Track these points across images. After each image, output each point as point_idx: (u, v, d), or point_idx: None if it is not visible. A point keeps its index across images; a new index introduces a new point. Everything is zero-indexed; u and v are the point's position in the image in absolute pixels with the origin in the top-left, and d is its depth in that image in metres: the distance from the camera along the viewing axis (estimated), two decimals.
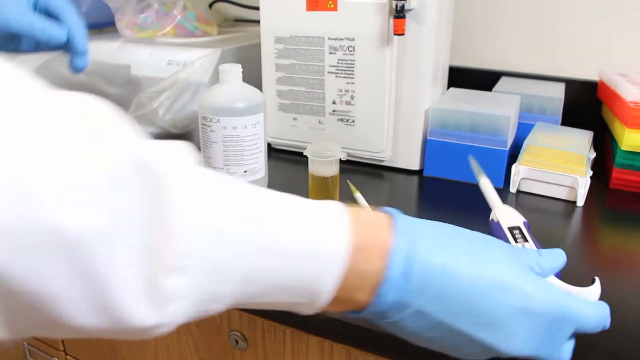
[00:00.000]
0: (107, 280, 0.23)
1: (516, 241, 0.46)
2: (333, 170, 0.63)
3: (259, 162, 0.65)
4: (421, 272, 0.30)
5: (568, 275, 0.51)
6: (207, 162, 0.64)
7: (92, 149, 0.23)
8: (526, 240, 0.46)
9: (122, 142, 0.24)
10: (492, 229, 0.50)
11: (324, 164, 0.62)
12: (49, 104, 0.24)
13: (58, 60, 0.89)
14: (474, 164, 0.62)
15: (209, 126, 0.62)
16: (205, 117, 0.62)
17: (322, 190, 0.63)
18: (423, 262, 0.30)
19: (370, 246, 0.30)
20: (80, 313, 0.24)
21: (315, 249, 0.29)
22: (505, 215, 0.51)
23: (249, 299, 0.29)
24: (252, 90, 0.65)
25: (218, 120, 0.62)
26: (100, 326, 0.24)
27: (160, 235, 0.24)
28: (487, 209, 0.61)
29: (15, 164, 0.21)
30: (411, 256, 0.30)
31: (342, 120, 0.77)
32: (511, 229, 0.48)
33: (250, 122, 0.63)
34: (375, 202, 0.68)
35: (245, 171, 0.64)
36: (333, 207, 0.31)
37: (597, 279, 0.42)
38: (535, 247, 0.46)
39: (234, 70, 0.63)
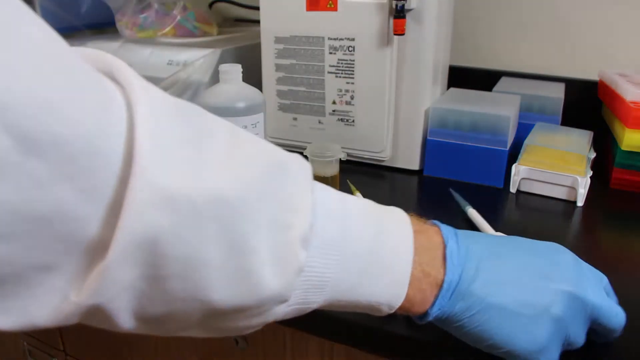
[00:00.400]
0: (248, 246, 0.27)
1: None
2: (333, 170, 0.63)
3: None
4: (467, 244, 0.36)
5: None
6: None
7: (245, 145, 0.29)
8: None
9: (263, 146, 0.30)
10: None
11: (323, 164, 0.62)
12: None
13: None
14: (458, 197, 0.64)
15: None
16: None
17: None
18: (464, 237, 0.36)
19: (425, 230, 0.36)
20: (220, 281, 0.26)
21: (389, 233, 0.34)
22: None
23: (343, 291, 0.32)
24: (252, 90, 0.65)
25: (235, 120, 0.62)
26: (233, 296, 0.27)
27: (292, 210, 0.28)
28: (487, 209, 0.61)
29: (192, 142, 0.26)
30: (455, 233, 0.37)
31: (342, 120, 0.77)
32: None
33: (250, 122, 0.63)
34: (375, 202, 0.68)
35: None
36: (392, 208, 0.37)
37: None
38: None
39: (234, 70, 0.63)
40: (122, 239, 0.23)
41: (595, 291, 0.37)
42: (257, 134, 0.65)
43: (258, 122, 0.65)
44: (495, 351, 0.36)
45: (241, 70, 0.64)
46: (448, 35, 0.82)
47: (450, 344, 0.41)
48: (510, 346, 0.35)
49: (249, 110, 0.63)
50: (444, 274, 0.34)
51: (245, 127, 0.63)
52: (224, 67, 0.64)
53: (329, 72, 0.75)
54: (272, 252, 0.27)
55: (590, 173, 0.67)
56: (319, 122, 0.78)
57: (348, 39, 0.72)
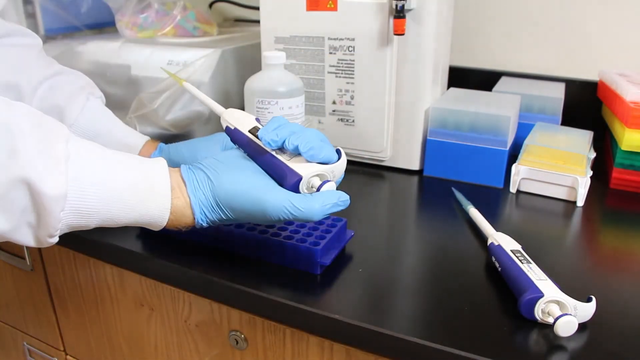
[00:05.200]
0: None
1: (522, 262, 0.47)
2: None
3: None
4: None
5: (568, 274, 0.51)
6: None
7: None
8: (529, 262, 0.47)
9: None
10: (494, 252, 0.51)
11: None
12: None
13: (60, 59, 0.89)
14: (460, 196, 0.64)
15: (266, 108, 0.68)
16: (262, 100, 0.68)
17: None
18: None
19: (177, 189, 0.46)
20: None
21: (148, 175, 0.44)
22: (503, 239, 0.52)
23: (112, 216, 0.42)
24: (291, 76, 0.71)
25: (277, 102, 0.67)
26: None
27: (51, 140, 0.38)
28: (487, 209, 0.61)
29: None
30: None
31: (342, 120, 0.77)
32: (514, 252, 0.49)
33: (295, 104, 0.69)
34: (375, 202, 0.68)
35: None
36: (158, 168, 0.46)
37: (593, 297, 0.43)
38: (538, 268, 0.46)
39: (276, 57, 0.68)
40: None
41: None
42: (302, 112, 0.71)
43: (299, 104, 0.70)
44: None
45: (284, 57, 0.69)
46: (448, 35, 0.82)
47: (448, 344, 0.41)
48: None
49: (290, 94, 0.69)
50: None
51: (290, 107, 0.69)
52: (267, 53, 0.69)
53: (329, 72, 0.75)
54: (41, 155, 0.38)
55: (590, 173, 0.67)
56: (319, 122, 0.78)
57: (348, 39, 0.72)
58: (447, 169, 0.73)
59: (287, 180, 0.45)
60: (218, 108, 0.54)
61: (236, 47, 0.86)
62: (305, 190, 0.45)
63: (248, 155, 0.49)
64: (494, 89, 0.87)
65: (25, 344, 0.83)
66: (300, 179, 0.45)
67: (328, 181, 0.46)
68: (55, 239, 0.41)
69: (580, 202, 0.65)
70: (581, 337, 0.42)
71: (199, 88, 0.78)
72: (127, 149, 0.64)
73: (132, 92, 0.79)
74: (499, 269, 0.49)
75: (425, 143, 0.75)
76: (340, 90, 0.75)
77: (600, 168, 0.76)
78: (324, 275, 0.51)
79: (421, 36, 0.71)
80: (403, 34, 0.67)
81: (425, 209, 0.68)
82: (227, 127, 0.51)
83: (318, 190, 0.45)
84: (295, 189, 0.45)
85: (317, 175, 0.46)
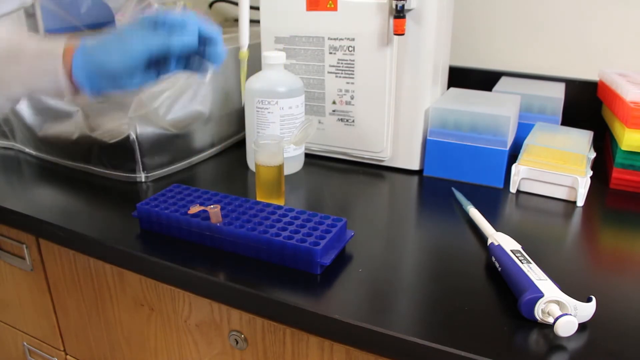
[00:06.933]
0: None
1: (522, 262, 0.47)
2: (277, 160, 0.62)
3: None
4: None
5: (568, 274, 0.51)
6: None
7: None
8: (529, 262, 0.47)
9: None
10: (494, 251, 0.51)
11: (268, 154, 0.62)
12: None
13: None
14: (460, 196, 0.64)
15: (266, 108, 0.69)
16: (262, 100, 0.69)
17: (269, 180, 0.63)
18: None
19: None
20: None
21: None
22: (503, 239, 0.52)
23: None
24: (291, 76, 0.72)
25: (277, 102, 0.69)
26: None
27: None
28: (487, 209, 0.61)
29: None
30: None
31: (342, 120, 0.77)
32: (514, 252, 0.49)
33: (295, 104, 0.71)
34: (375, 202, 0.68)
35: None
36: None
37: (593, 297, 0.43)
38: (538, 268, 0.46)
39: (276, 57, 0.70)
40: None
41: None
42: (302, 112, 0.73)
43: (299, 104, 0.72)
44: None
45: (284, 57, 0.71)
46: (448, 35, 0.82)
47: (448, 344, 0.41)
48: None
49: (289, 94, 0.70)
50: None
51: (290, 107, 0.71)
52: (267, 53, 0.70)
53: (329, 72, 0.75)
54: None
55: (590, 173, 0.67)
56: (319, 122, 0.78)
57: (348, 39, 0.72)
58: (447, 169, 0.73)
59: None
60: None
61: (236, 47, 0.86)
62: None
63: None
64: (494, 89, 0.87)
65: (25, 344, 0.83)
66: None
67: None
68: None
69: (580, 202, 0.65)
70: (581, 337, 0.42)
71: (198, 88, 0.78)
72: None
73: (132, 92, 0.79)
74: (499, 269, 0.49)
75: (425, 143, 0.75)
76: (340, 90, 0.75)
77: (600, 168, 0.76)
78: (324, 275, 0.51)
79: (421, 36, 0.71)
80: (403, 34, 0.67)
81: (425, 209, 0.68)
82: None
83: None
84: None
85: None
